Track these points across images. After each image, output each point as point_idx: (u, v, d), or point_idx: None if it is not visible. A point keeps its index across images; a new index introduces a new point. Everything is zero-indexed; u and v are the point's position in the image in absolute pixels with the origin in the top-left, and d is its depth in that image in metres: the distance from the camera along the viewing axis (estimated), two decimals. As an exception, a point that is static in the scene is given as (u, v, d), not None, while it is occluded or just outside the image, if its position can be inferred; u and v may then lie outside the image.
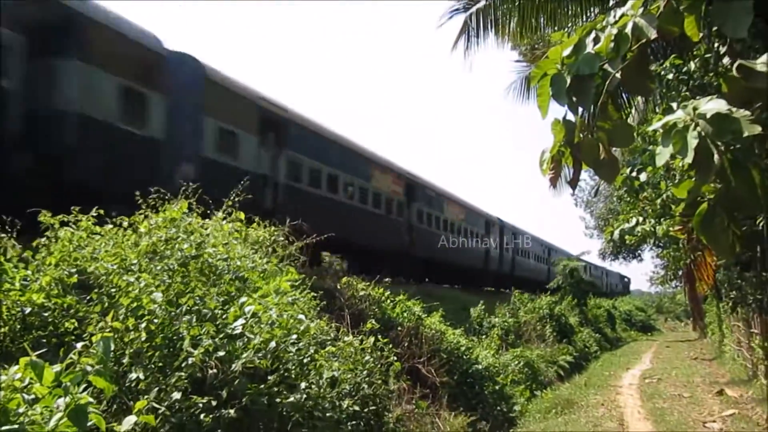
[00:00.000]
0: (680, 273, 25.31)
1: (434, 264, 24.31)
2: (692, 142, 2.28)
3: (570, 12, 9.94)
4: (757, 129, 2.26)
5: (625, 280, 75.50)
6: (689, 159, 2.28)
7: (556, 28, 10.00)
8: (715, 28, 3.25)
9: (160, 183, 6.98)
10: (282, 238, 7.98)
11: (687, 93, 7.80)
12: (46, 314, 4.58)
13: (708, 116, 2.31)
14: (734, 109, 2.31)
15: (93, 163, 9.86)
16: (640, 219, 9.55)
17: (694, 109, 2.38)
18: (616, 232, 9.64)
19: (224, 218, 6.82)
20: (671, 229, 8.59)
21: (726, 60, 3.38)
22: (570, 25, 9.79)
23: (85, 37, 9.77)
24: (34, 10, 9.11)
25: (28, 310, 4.49)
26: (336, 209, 16.56)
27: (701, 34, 2.62)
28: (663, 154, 2.44)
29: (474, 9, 10.97)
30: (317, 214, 13.07)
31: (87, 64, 9.62)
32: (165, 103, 11.09)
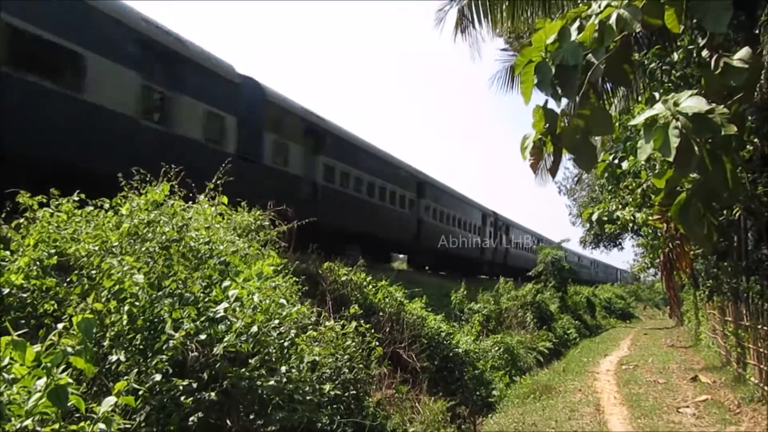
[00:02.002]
0: (658, 261, 25.67)
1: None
2: (674, 140, 2.31)
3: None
4: (733, 129, 2.31)
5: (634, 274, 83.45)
6: (671, 158, 2.32)
7: (543, 14, 10.05)
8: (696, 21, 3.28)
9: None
10: (267, 223, 7.95)
11: (669, 84, 7.87)
12: (24, 295, 4.54)
13: (689, 114, 2.35)
14: (714, 106, 2.35)
15: None
16: (620, 206, 9.66)
17: (675, 104, 2.40)
18: (595, 214, 9.73)
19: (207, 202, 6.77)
20: (650, 218, 8.71)
21: (706, 52, 3.42)
22: (558, 12, 9.82)
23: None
24: None
25: (6, 291, 4.45)
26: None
27: (682, 27, 2.64)
28: (644, 149, 2.47)
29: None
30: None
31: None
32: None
